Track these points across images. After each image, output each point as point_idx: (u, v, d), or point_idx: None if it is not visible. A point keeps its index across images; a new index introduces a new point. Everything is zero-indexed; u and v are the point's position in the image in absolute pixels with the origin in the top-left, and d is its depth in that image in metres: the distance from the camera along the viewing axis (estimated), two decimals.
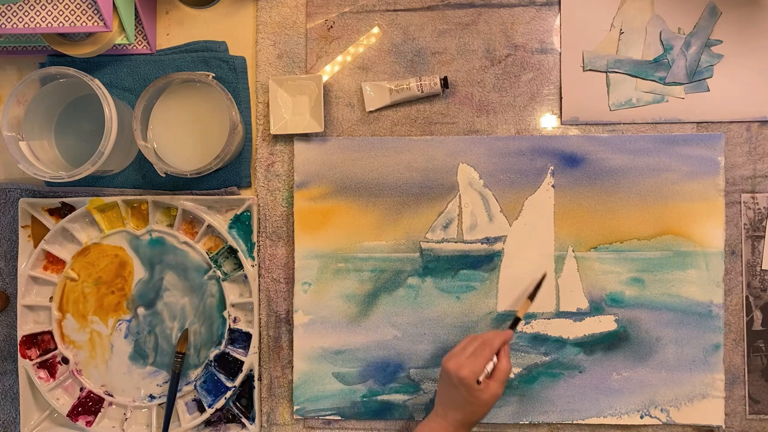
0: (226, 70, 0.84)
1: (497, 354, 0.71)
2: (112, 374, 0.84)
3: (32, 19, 0.75)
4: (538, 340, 0.81)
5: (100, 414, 0.83)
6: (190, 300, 0.83)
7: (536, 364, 0.81)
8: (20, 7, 0.75)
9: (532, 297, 0.79)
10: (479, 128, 0.83)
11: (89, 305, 0.84)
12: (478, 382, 0.68)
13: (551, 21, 0.83)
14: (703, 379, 0.80)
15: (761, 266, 0.80)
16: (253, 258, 0.82)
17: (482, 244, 0.82)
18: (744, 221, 0.81)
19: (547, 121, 0.83)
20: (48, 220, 0.84)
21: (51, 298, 0.84)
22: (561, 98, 0.82)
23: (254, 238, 0.83)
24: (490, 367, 0.70)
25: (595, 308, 0.81)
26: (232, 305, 0.82)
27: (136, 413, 0.84)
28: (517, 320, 0.77)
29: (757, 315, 0.80)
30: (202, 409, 0.83)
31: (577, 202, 0.81)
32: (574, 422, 0.81)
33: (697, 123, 0.81)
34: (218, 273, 0.82)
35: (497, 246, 0.82)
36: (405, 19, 0.84)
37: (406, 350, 0.82)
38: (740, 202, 0.80)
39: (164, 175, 0.78)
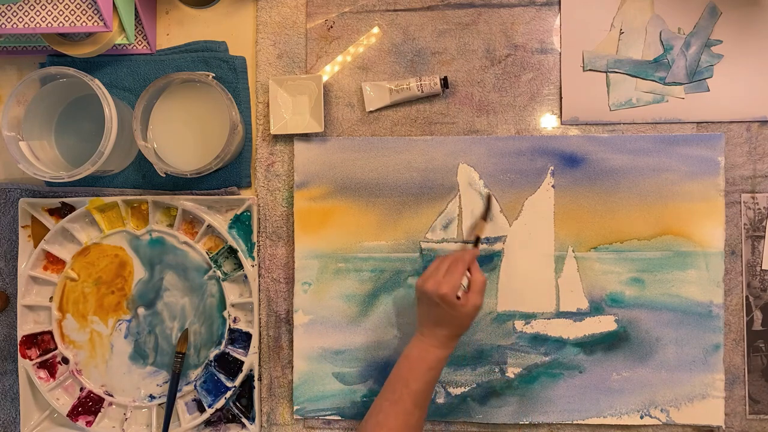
0: (226, 70, 0.84)
1: (469, 270, 0.72)
2: (112, 374, 0.84)
3: (32, 19, 0.75)
4: (538, 340, 0.81)
5: (100, 414, 0.83)
6: (190, 300, 0.83)
7: (536, 364, 0.81)
8: (20, 7, 0.75)
9: (485, 217, 0.80)
10: (479, 128, 0.83)
11: (89, 305, 0.84)
12: (458, 298, 0.69)
13: (551, 21, 0.83)
14: (703, 379, 0.80)
15: (761, 266, 0.80)
16: (253, 258, 0.82)
17: (482, 244, 0.82)
18: (744, 221, 0.81)
19: (547, 121, 0.82)
20: (48, 220, 0.84)
21: (51, 298, 0.84)
22: (561, 98, 0.82)
23: (254, 238, 0.83)
24: (465, 282, 0.71)
25: (595, 308, 0.81)
26: (232, 305, 0.82)
27: (136, 413, 0.84)
28: (478, 239, 0.79)
29: (757, 315, 0.80)
30: (202, 409, 0.83)
31: (577, 202, 0.81)
32: (574, 422, 0.81)
33: (697, 123, 0.81)
34: (218, 273, 0.82)
35: (497, 246, 0.82)
36: (405, 19, 0.84)
37: None
38: (740, 202, 0.80)
39: (164, 175, 0.78)
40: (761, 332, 0.80)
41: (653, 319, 0.80)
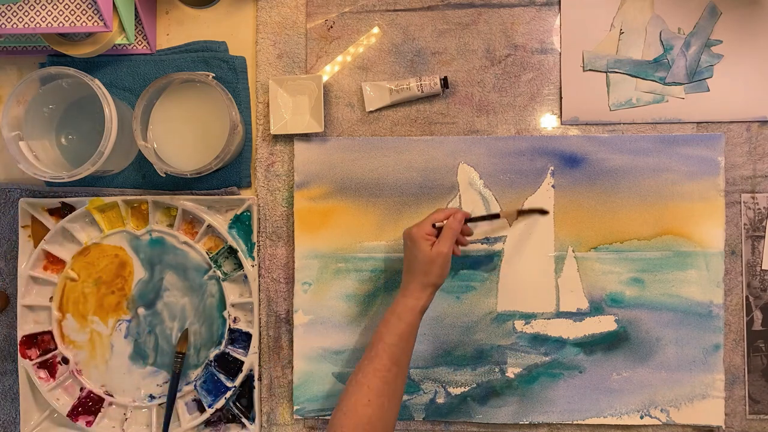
0: (226, 70, 0.84)
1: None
2: (112, 374, 0.84)
3: (32, 19, 0.75)
4: (538, 340, 0.81)
5: (100, 414, 0.83)
6: (190, 300, 0.83)
7: (536, 364, 0.81)
8: (20, 7, 0.75)
9: (521, 212, 0.81)
10: (479, 128, 0.83)
11: (89, 305, 0.84)
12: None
13: (551, 21, 0.83)
14: (703, 379, 0.80)
15: (761, 266, 0.80)
16: (253, 258, 0.82)
17: (482, 244, 0.82)
18: (744, 221, 0.81)
19: (547, 121, 0.83)
20: (48, 220, 0.84)
21: (51, 298, 0.84)
22: (561, 98, 0.82)
23: (254, 238, 0.83)
24: (440, 225, 0.73)
25: (595, 308, 0.81)
26: (232, 305, 0.82)
27: (136, 413, 0.84)
28: (493, 216, 0.79)
29: (757, 315, 0.80)
30: (202, 409, 0.83)
31: (577, 203, 0.81)
32: (574, 422, 0.81)
33: (697, 123, 0.81)
34: (218, 273, 0.82)
35: (497, 246, 0.82)
36: (405, 19, 0.84)
37: None
38: (740, 202, 0.80)
39: (164, 175, 0.78)
40: (761, 332, 0.80)
41: (653, 319, 0.80)
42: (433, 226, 0.73)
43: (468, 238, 0.81)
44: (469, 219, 0.77)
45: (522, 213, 0.81)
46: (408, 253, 0.73)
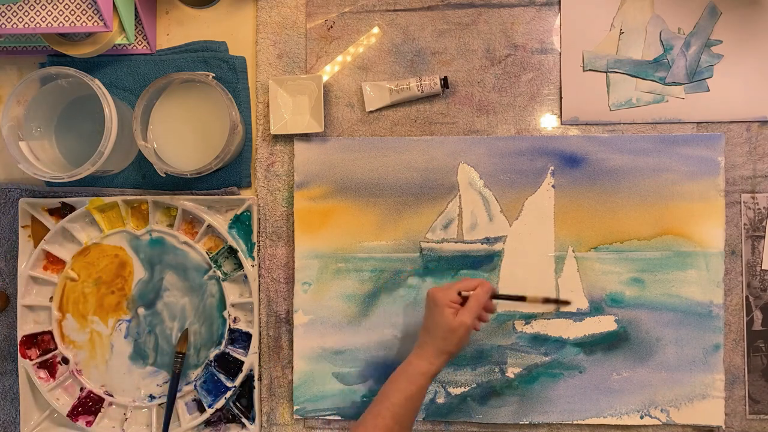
0: (226, 70, 0.84)
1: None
2: (112, 374, 0.84)
3: (32, 19, 0.75)
4: (538, 340, 0.81)
5: (100, 414, 0.83)
6: (190, 300, 0.83)
7: (536, 364, 0.81)
8: (20, 7, 0.75)
9: (547, 301, 0.80)
10: (479, 128, 0.83)
11: (89, 305, 0.84)
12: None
13: (551, 21, 0.83)
14: (703, 379, 0.80)
15: (761, 266, 0.80)
16: (253, 258, 0.82)
17: (482, 244, 0.82)
18: (744, 221, 0.81)
19: (547, 121, 0.83)
20: (48, 220, 0.84)
21: (51, 298, 0.84)
22: (561, 98, 0.82)
23: (254, 238, 0.83)
24: (466, 294, 0.72)
25: (595, 308, 0.81)
26: (232, 305, 0.82)
27: (136, 413, 0.84)
28: (519, 298, 0.78)
29: (757, 315, 0.80)
30: (202, 409, 0.83)
31: (577, 203, 0.81)
32: (574, 422, 0.81)
33: (697, 123, 0.81)
34: (218, 273, 0.82)
35: (497, 246, 0.82)
36: (405, 19, 0.84)
37: (406, 350, 0.81)
38: (740, 202, 0.80)
39: (164, 175, 0.78)
40: (761, 332, 0.80)
41: (653, 319, 0.80)
42: (459, 294, 0.72)
43: (467, 239, 0.81)
44: (495, 296, 0.75)
45: (548, 301, 0.80)
46: (429, 315, 0.72)
